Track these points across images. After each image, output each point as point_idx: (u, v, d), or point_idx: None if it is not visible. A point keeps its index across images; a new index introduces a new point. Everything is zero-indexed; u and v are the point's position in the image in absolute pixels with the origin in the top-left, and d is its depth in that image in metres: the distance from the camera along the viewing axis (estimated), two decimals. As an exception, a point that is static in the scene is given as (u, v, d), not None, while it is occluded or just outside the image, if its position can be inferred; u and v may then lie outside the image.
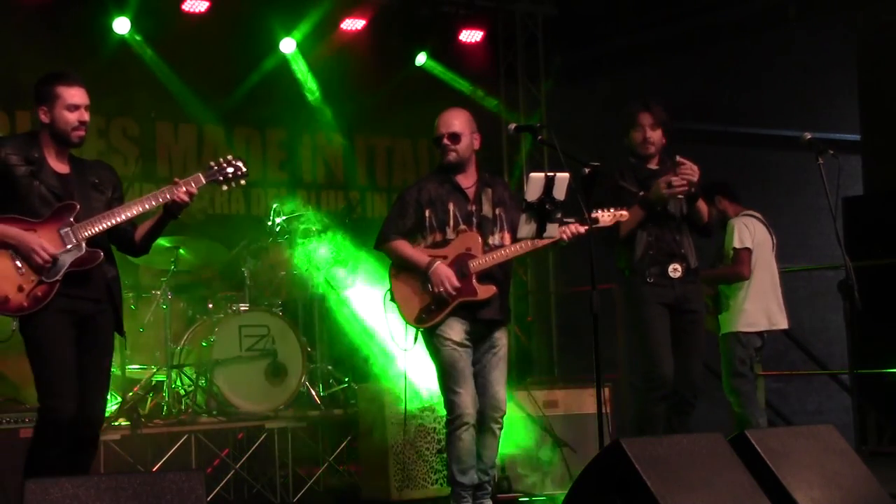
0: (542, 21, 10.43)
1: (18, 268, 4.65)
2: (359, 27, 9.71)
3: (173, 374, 7.33)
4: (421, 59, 10.07)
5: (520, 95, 10.39)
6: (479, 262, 5.57)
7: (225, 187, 5.08)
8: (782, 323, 7.22)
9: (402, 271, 5.67)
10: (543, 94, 10.40)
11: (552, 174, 5.24)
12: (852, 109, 10.99)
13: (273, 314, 7.55)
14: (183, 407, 7.27)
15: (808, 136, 6.10)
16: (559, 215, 5.30)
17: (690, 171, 5.85)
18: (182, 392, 7.39)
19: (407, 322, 5.63)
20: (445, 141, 5.71)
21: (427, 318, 5.58)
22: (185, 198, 4.89)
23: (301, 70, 9.57)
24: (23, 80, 8.11)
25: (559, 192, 5.25)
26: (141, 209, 4.88)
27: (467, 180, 5.73)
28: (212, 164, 5.07)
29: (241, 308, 7.53)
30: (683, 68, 11.28)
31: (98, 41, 8.73)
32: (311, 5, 9.44)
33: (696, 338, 6.06)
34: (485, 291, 5.58)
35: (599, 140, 8.00)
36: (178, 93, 8.91)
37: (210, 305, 7.69)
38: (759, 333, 7.10)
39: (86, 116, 4.90)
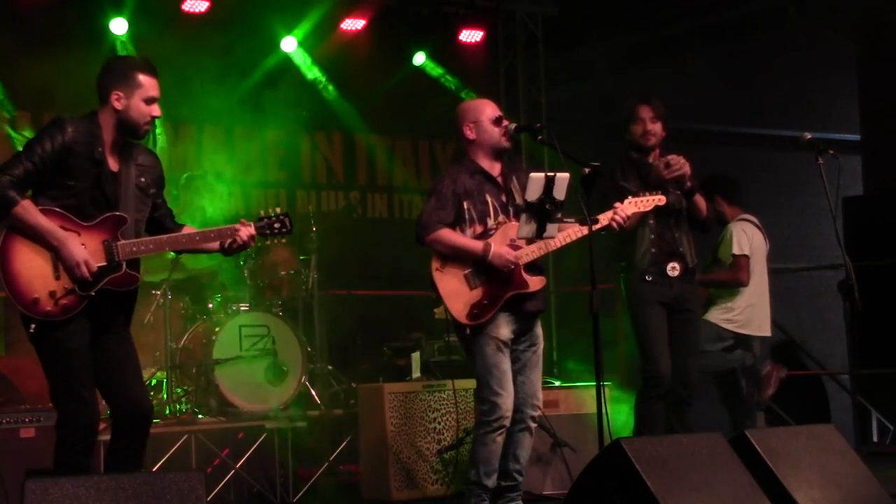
0: (542, 21, 10.43)
1: (55, 271, 4.51)
2: (359, 27, 9.72)
3: (173, 375, 7.34)
4: (419, 58, 10.08)
5: (520, 95, 10.40)
6: (527, 253, 5.39)
7: (267, 242, 5.05)
8: (767, 331, 7.19)
9: (448, 264, 5.40)
10: (543, 94, 10.40)
11: (552, 174, 5.25)
12: (852, 109, 11.00)
13: (273, 314, 7.55)
14: (183, 407, 7.27)
15: (808, 136, 6.10)
16: (559, 215, 5.31)
17: (678, 161, 5.88)
18: (182, 392, 7.39)
19: (457, 320, 5.35)
20: (506, 121, 5.54)
21: (480, 313, 5.33)
22: (249, 241, 4.83)
23: (307, 65, 9.57)
24: (22, 81, 8.18)
25: (559, 192, 5.25)
26: (188, 242, 4.81)
27: (495, 169, 5.56)
28: (262, 214, 4.99)
29: (241, 308, 7.52)
30: (684, 68, 11.28)
31: (97, 41, 8.73)
32: (311, 5, 9.45)
33: (693, 337, 6.08)
34: (536, 283, 5.41)
35: (599, 140, 8.00)
36: (179, 93, 8.90)
37: (210, 305, 7.69)
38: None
39: (158, 112, 4.73)
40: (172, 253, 5.66)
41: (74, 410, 4.56)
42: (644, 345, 5.97)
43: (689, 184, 5.95)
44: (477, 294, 5.36)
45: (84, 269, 4.52)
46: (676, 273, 5.97)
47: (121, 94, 4.66)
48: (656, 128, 6.07)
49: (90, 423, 4.58)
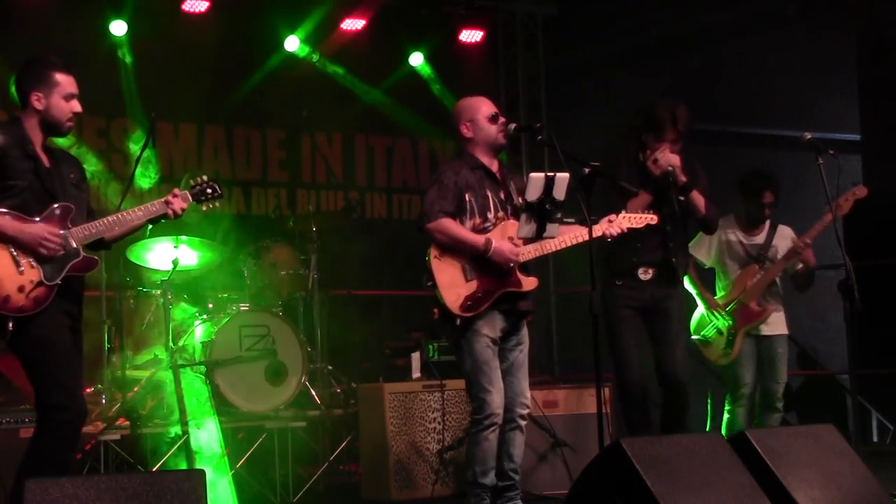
0: (542, 21, 10.44)
1: (19, 267, 4.58)
2: (359, 27, 9.73)
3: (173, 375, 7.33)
4: (417, 59, 10.08)
5: (520, 95, 10.40)
6: (524, 252, 5.40)
7: (204, 207, 5.18)
8: None
9: (444, 255, 5.40)
10: (544, 93, 10.41)
11: (552, 174, 5.25)
12: (852, 109, 10.98)
13: (273, 314, 7.55)
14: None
15: (808, 136, 6.11)
16: (559, 215, 5.31)
17: (664, 157, 5.84)
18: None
19: (450, 310, 5.36)
20: (503, 119, 5.55)
21: (474, 306, 5.35)
22: (180, 213, 4.99)
23: (319, 60, 9.59)
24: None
25: (559, 192, 5.25)
26: (134, 218, 4.91)
27: (494, 166, 5.58)
28: (193, 183, 5.16)
29: (241, 308, 7.52)
30: (683, 68, 11.27)
31: (97, 41, 8.74)
32: (311, 5, 9.46)
33: (669, 335, 5.96)
34: (529, 283, 5.43)
35: (600, 140, 8.00)
36: (179, 93, 8.91)
37: (210, 305, 7.69)
38: None
39: (79, 107, 4.84)
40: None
41: (61, 405, 4.60)
42: (614, 352, 5.96)
43: (682, 178, 5.89)
44: (472, 286, 5.38)
45: (50, 241, 4.61)
46: (649, 277, 5.92)
47: (40, 94, 4.76)
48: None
49: (77, 417, 4.64)
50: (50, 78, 4.77)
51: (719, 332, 6.77)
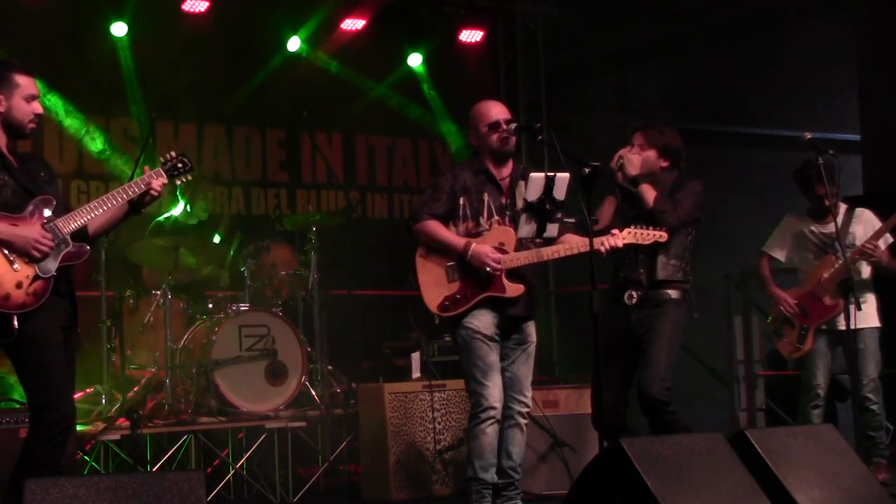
0: (542, 21, 10.45)
1: (13, 264, 4.57)
2: (359, 27, 9.73)
3: (173, 375, 7.33)
4: (416, 60, 10.08)
5: (520, 95, 10.40)
6: (511, 259, 5.40)
7: (178, 181, 5.16)
8: None
9: (430, 255, 5.46)
10: (543, 93, 10.41)
11: (552, 174, 5.24)
12: (852, 109, 10.99)
13: (273, 314, 7.55)
14: (183, 407, 7.27)
15: (808, 136, 6.10)
16: (559, 215, 5.30)
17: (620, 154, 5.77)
18: (182, 392, 7.39)
19: (429, 309, 5.42)
20: (505, 126, 5.56)
21: (451, 306, 5.39)
22: (161, 189, 4.95)
23: (321, 58, 9.60)
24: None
25: (559, 192, 5.24)
26: (117, 201, 4.87)
27: (503, 172, 5.58)
28: (163, 160, 5.11)
29: (241, 308, 7.53)
30: (683, 68, 11.28)
31: (98, 41, 8.74)
32: (310, 5, 9.46)
33: (651, 352, 5.65)
34: (513, 290, 5.41)
35: (600, 140, 8.00)
36: (179, 93, 8.91)
37: (210, 305, 7.69)
38: None
39: (40, 109, 4.84)
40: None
41: (48, 406, 4.60)
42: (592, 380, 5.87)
43: (631, 171, 5.68)
44: (453, 288, 5.42)
45: (42, 244, 4.61)
46: (633, 301, 5.72)
47: (1, 96, 4.75)
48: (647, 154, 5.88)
49: (65, 419, 4.63)
50: (10, 79, 4.76)
51: (791, 325, 6.64)
